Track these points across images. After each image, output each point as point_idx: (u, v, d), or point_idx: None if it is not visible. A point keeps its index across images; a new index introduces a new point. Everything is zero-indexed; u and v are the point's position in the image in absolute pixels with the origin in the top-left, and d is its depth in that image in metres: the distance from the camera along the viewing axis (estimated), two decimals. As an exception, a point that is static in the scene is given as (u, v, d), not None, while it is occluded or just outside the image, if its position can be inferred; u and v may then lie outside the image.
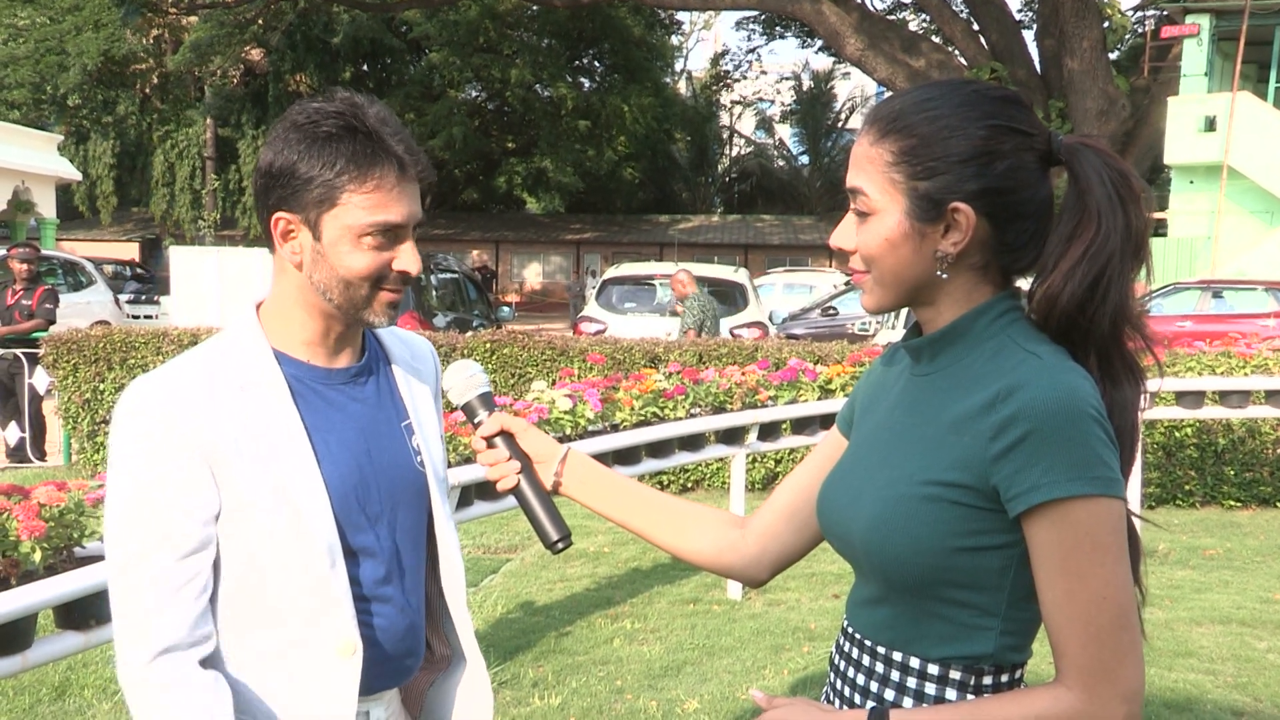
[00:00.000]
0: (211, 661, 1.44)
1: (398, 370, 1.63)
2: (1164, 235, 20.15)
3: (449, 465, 3.86)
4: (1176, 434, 7.73)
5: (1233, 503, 7.83)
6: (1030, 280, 1.36)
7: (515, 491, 1.57)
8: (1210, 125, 19.14)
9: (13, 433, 8.92)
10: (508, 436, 1.59)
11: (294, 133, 1.47)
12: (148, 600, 1.40)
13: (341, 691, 1.48)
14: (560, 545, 1.54)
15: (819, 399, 5.65)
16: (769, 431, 5.53)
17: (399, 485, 1.57)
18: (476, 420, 1.59)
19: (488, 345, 8.28)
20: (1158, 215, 21.21)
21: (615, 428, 4.73)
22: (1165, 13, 20.91)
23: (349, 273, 1.47)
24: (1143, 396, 1.35)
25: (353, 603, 1.48)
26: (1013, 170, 1.29)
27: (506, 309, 15.00)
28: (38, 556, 2.38)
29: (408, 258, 1.49)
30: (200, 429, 1.41)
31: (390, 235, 1.47)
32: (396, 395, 1.62)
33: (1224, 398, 6.35)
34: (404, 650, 1.57)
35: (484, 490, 4.03)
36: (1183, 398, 6.39)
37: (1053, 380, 1.22)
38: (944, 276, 1.32)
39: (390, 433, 1.58)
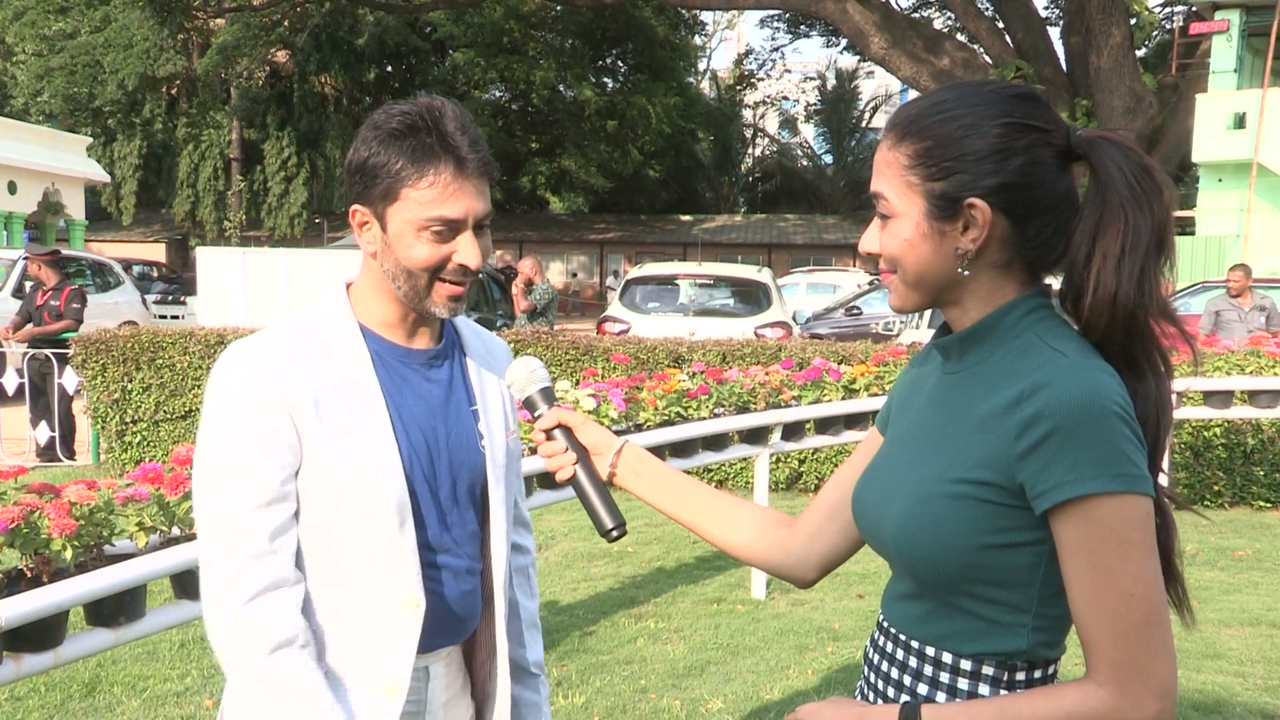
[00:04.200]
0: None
1: (471, 360, 1.74)
2: (1192, 234, 19.96)
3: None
4: (1205, 434, 7.66)
5: (1262, 503, 7.76)
6: (1060, 278, 1.36)
7: (572, 481, 1.62)
8: (1240, 122, 18.94)
9: (43, 432, 9.01)
10: (566, 430, 1.63)
11: (370, 130, 1.57)
12: (245, 545, 1.49)
13: (404, 642, 1.58)
14: (615, 534, 1.58)
15: (843, 399, 5.64)
16: (793, 431, 5.52)
17: (462, 463, 1.68)
18: (537, 414, 1.65)
19: (511, 345, 8.30)
20: (1185, 213, 21.02)
21: (639, 427, 4.73)
22: (1194, 8, 20.72)
23: (411, 263, 1.56)
24: (1171, 387, 1.35)
25: (419, 560, 1.58)
26: (1029, 166, 1.30)
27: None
28: (68, 554, 2.40)
29: (466, 251, 1.57)
30: (285, 388, 1.52)
31: (449, 229, 1.55)
32: (468, 382, 1.73)
33: (1253, 397, 6.30)
34: (461, 611, 1.68)
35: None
36: (1211, 397, 6.33)
37: (1077, 378, 1.22)
38: (965, 274, 1.33)
39: (459, 414, 1.69)
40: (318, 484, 1.54)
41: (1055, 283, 1.39)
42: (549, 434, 1.63)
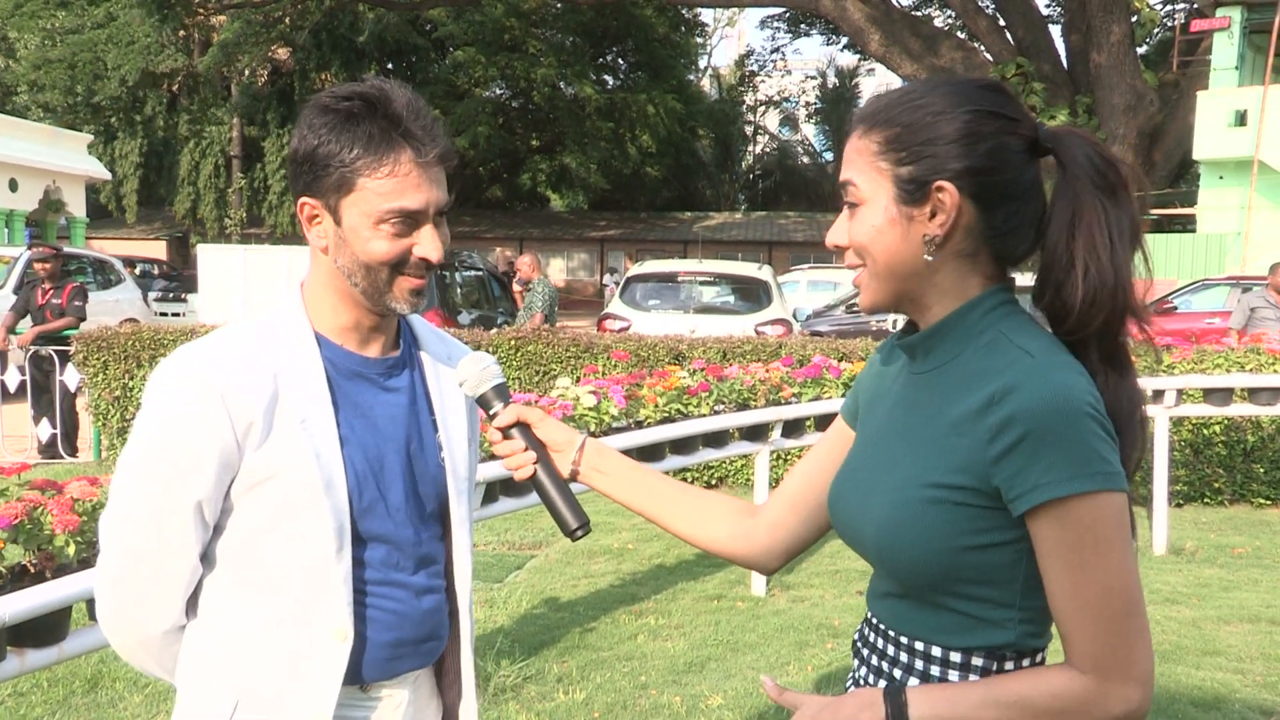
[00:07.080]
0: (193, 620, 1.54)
1: (430, 368, 1.64)
2: (1193, 231, 19.96)
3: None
4: (1204, 431, 7.67)
5: (1262, 501, 7.77)
6: (1029, 275, 1.36)
7: (533, 480, 1.58)
8: (1241, 119, 18.93)
9: (45, 429, 9.01)
10: (524, 427, 1.59)
11: (318, 117, 1.46)
12: (141, 563, 1.48)
13: (328, 674, 1.48)
14: (579, 533, 1.55)
15: (843, 396, 5.64)
16: (793, 428, 5.53)
17: (421, 475, 1.59)
18: (492, 412, 1.59)
19: (512, 342, 8.31)
20: (1186, 211, 21.02)
21: (639, 424, 4.74)
22: (1195, 6, 20.73)
23: (369, 258, 1.46)
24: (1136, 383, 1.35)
25: (352, 592, 1.49)
26: (996, 151, 1.30)
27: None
28: (71, 550, 2.41)
29: (428, 244, 1.48)
30: (230, 401, 1.42)
31: (409, 221, 1.46)
32: (428, 390, 1.63)
33: (1253, 394, 6.30)
34: (424, 633, 1.59)
35: (509, 486, 4.05)
36: (1211, 394, 6.34)
37: (1046, 380, 1.23)
38: (931, 260, 1.32)
39: (417, 426, 1.59)
40: (258, 494, 1.45)
41: (1021, 279, 1.39)
42: (506, 432, 1.58)
